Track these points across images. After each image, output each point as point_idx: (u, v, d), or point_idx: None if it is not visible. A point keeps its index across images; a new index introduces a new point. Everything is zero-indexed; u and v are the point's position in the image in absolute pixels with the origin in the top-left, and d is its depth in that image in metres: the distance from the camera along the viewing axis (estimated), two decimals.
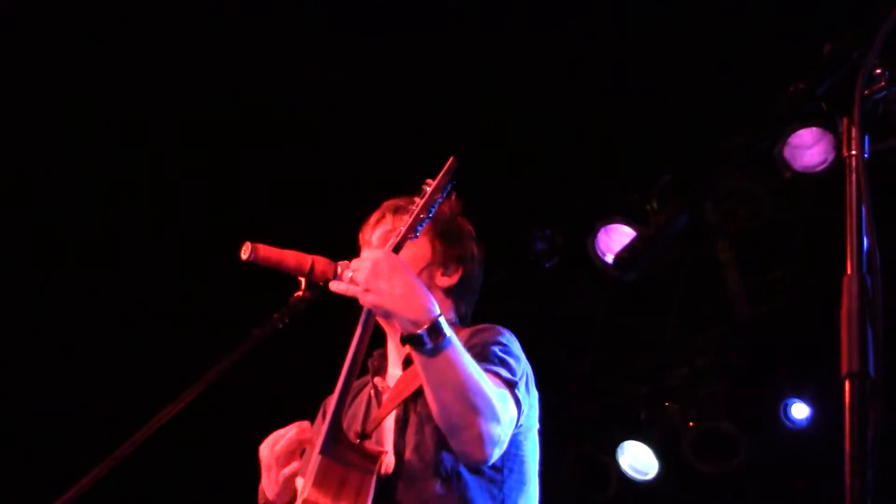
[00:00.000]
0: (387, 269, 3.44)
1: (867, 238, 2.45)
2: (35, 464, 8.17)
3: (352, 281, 3.50)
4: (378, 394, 3.97)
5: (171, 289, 8.18)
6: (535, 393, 3.87)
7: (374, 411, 3.88)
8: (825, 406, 7.92)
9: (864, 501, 2.29)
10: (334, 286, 3.62)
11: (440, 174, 3.58)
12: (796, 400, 8.04)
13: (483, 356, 3.67)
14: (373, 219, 4.13)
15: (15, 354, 8.22)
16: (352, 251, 4.04)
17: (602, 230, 7.68)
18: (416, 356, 3.47)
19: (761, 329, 7.88)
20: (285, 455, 3.74)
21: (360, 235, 4.16)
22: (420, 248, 4.00)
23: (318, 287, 3.81)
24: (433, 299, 3.46)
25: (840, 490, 2.37)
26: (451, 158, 3.60)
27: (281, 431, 3.78)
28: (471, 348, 3.69)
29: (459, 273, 4.06)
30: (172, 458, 7.72)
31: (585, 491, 8.71)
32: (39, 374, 8.36)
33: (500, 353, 3.72)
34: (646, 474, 8.40)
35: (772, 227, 7.58)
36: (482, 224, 4.22)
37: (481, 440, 3.47)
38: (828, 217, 7.40)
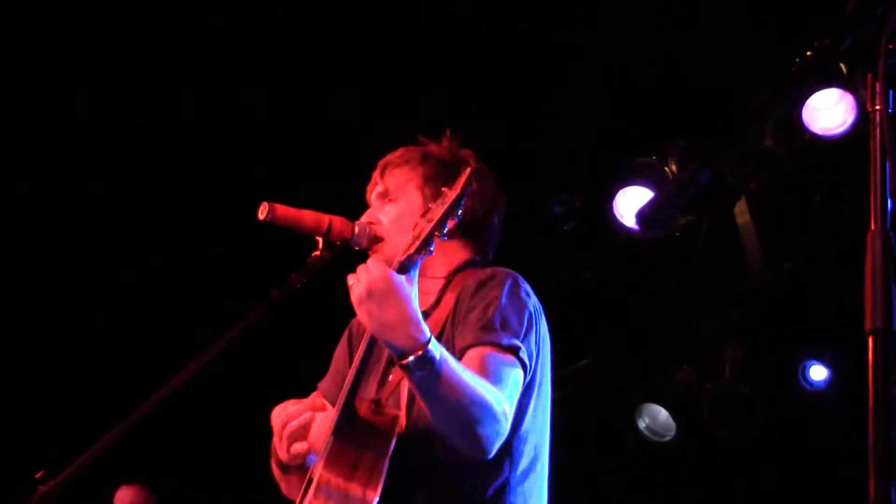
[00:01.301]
0: (380, 293, 3.34)
1: (891, 194, 2.43)
2: (54, 428, 8.19)
3: (351, 289, 3.42)
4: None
5: (188, 251, 8.18)
6: (544, 330, 3.86)
7: (394, 372, 3.87)
8: (843, 368, 7.91)
9: (888, 460, 2.28)
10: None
11: (457, 187, 3.43)
12: (814, 362, 8.03)
13: (483, 323, 3.64)
14: (375, 174, 4.08)
15: (38, 315, 8.24)
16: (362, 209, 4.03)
17: (620, 193, 7.65)
18: (406, 377, 3.43)
19: (779, 291, 7.86)
20: (300, 430, 3.74)
21: (367, 196, 4.11)
22: (408, 201, 3.96)
23: (336, 247, 3.80)
24: (423, 326, 3.36)
25: (860, 452, 2.36)
26: (466, 169, 3.48)
27: (293, 405, 3.79)
28: (471, 310, 3.69)
29: (466, 212, 3.87)
30: (191, 420, 7.75)
31: (602, 454, 8.73)
32: (47, 340, 8.36)
33: (501, 315, 3.67)
34: (664, 437, 8.41)
35: (790, 189, 7.56)
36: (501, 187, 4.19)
37: (479, 445, 3.48)
38: (846, 179, 7.38)
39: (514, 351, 3.63)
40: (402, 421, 3.63)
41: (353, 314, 3.49)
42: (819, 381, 8.02)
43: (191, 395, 3.95)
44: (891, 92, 2.50)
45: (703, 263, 8.11)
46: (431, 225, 3.41)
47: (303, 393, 3.98)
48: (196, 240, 8.08)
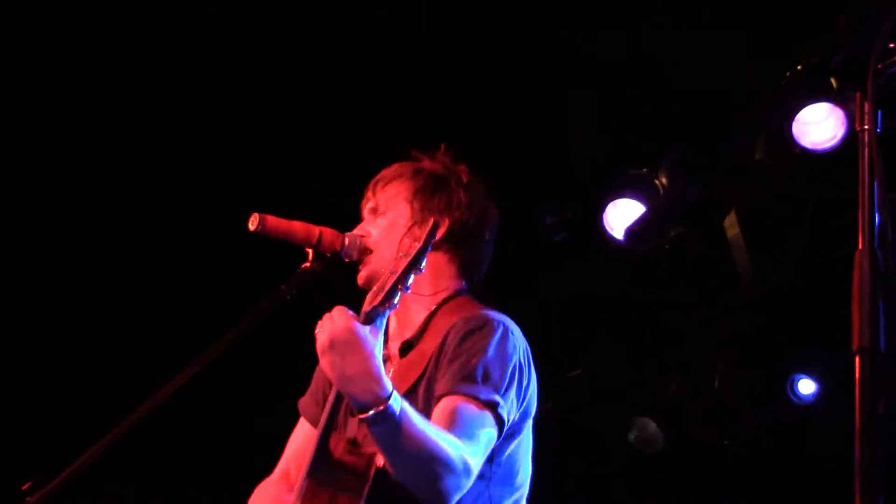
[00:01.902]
0: (342, 344, 3.33)
1: (879, 213, 2.44)
2: (42, 438, 8.17)
3: (316, 337, 3.41)
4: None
5: (178, 261, 8.17)
6: (531, 379, 3.82)
7: None
8: (832, 382, 7.93)
9: (873, 477, 2.29)
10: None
11: (421, 242, 3.41)
12: (803, 376, 8.04)
13: (465, 373, 3.62)
14: (369, 191, 4.07)
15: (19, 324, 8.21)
16: (355, 221, 4.04)
17: (610, 204, 7.66)
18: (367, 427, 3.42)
19: (768, 304, 7.88)
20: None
21: (367, 197, 4.09)
22: (396, 213, 3.95)
23: (326, 258, 3.80)
24: (384, 382, 3.33)
25: (846, 466, 2.37)
26: (431, 221, 3.50)
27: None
28: (455, 358, 3.66)
29: (445, 224, 3.94)
30: (178, 432, 7.73)
31: (593, 464, 8.73)
32: (34, 348, 8.33)
33: (484, 367, 3.64)
34: (653, 448, 8.42)
35: (780, 202, 7.57)
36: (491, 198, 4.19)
37: (437, 497, 3.46)
38: (836, 193, 7.39)
39: (492, 406, 3.60)
40: (379, 460, 3.60)
41: None
42: (807, 395, 8.03)
43: (179, 406, 3.95)
44: (879, 111, 2.51)
45: (692, 275, 8.12)
46: (395, 278, 3.39)
47: (289, 404, 3.98)
48: (185, 250, 8.06)
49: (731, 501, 8.26)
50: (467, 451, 3.48)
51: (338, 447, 3.65)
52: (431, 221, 3.48)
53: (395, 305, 3.43)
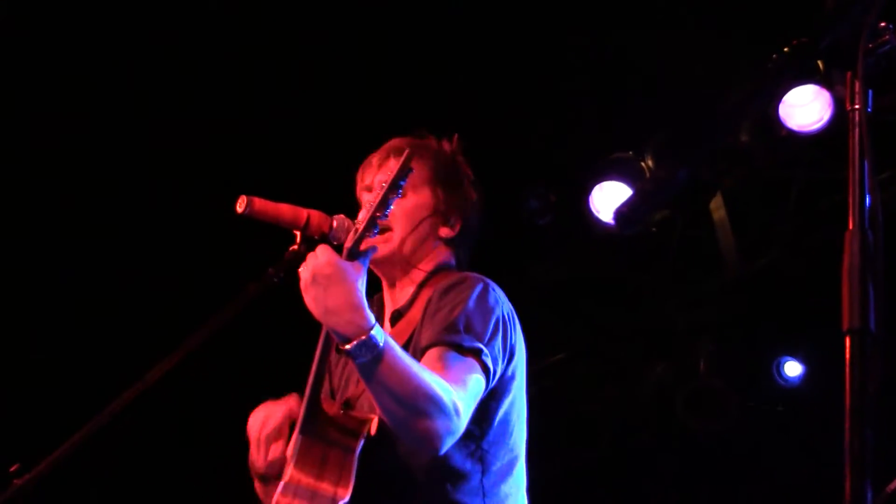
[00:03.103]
0: (324, 278, 3.36)
1: (869, 193, 2.43)
2: (29, 421, 8.16)
3: (300, 275, 3.44)
4: None
5: (163, 245, 8.15)
6: (517, 337, 3.83)
7: None
8: (818, 364, 7.95)
9: (863, 460, 2.29)
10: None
11: (396, 169, 3.42)
12: (789, 358, 8.06)
13: (447, 323, 3.63)
14: (375, 160, 4.04)
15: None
16: (346, 204, 4.02)
17: (596, 188, 7.65)
18: (352, 364, 3.43)
19: (754, 287, 7.89)
20: (274, 433, 3.75)
21: (359, 176, 4.08)
22: (421, 198, 3.97)
23: (314, 241, 3.79)
24: (366, 313, 3.35)
25: (833, 449, 2.37)
26: (406, 151, 3.45)
27: (270, 408, 3.79)
28: (438, 310, 3.68)
29: (460, 223, 4.02)
30: (164, 418, 7.72)
31: (577, 451, 8.74)
32: (20, 331, 8.31)
33: (466, 317, 3.65)
34: None
35: (765, 185, 7.58)
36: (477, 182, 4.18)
37: (427, 439, 3.44)
38: (822, 176, 7.40)
39: (476, 353, 3.60)
40: (374, 425, 3.61)
41: None
42: (793, 377, 8.06)
43: (167, 389, 3.94)
44: (870, 91, 2.51)
45: (678, 259, 8.13)
46: (373, 207, 3.42)
47: (279, 389, 3.96)
48: (171, 233, 8.04)
49: (718, 485, 8.27)
50: (456, 395, 3.47)
51: (332, 407, 3.69)
52: (407, 152, 3.44)
53: (375, 233, 3.46)
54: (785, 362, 8.05)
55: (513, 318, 3.83)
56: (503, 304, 3.80)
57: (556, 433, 8.68)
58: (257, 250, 4.02)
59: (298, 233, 3.80)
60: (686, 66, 7.09)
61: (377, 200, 3.41)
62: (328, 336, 3.63)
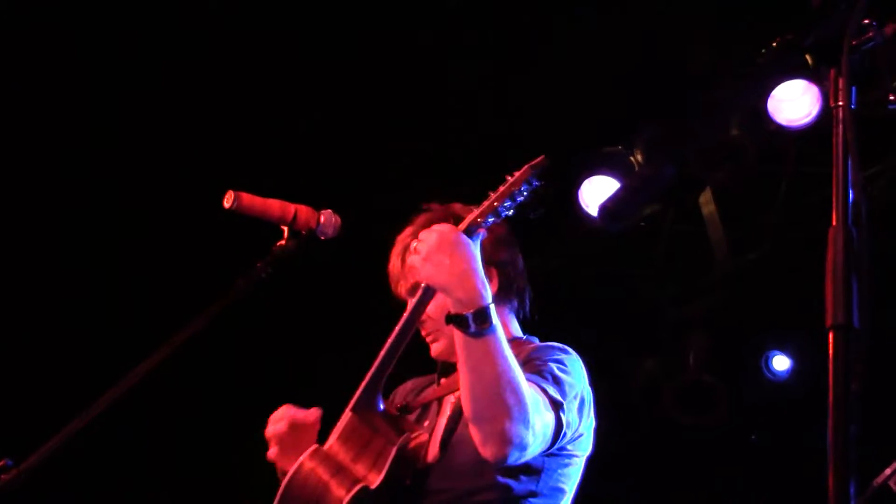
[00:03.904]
0: (450, 245, 3.41)
1: (853, 190, 2.44)
2: (17, 416, 8.15)
3: (415, 250, 3.48)
4: (440, 400, 3.93)
5: (152, 239, 8.14)
6: (591, 421, 3.82)
7: (431, 412, 3.90)
8: (806, 358, 7.96)
9: (846, 454, 2.30)
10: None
11: (524, 167, 3.50)
12: (777, 352, 8.08)
13: (537, 370, 3.61)
14: (400, 249, 3.98)
15: None
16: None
17: (585, 182, 7.66)
18: (457, 336, 3.42)
19: (743, 282, 7.90)
20: (274, 436, 3.79)
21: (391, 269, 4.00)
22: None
23: (301, 236, 3.80)
24: (488, 288, 3.41)
25: (821, 442, 2.38)
26: (541, 156, 3.53)
27: (295, 415, 3.81)
28: (528, 361, 3.65)
29: (496, 280, 3.91)
30: (152, 414, 7.72)
31: None
32: (9, 326, 8.30)
33: (556, 371, 3.64)
34: None
35: (755, 179, 7.59)
36: (467, 175, 4.18)
37: (502, 438, 3.37)
38: (811, 170, 7.41)
39: (557, 406, 3.55)
40: (433, 448, 3.66)
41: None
42: (782, 372, 8.07)
43: (156, 384, 3.94)
44: (854, 88, 2.51)
45: (668, 253, 8.14)
46: (495, 195, 3.51)
47: (267, 383, 3.97)
48: (160, 228, 8.04)
49: (707, 479, 8.27)
50: (540, 414, 3.45)
51: (390, 405, 3.75)
52: (541, 158, 3.58)
53: (488, 225, 3.51)
54: (773, 356, 8.07)
55: (591, 401, 3.82)
56: (587, 384, 3.80)
57: None
58: (245, 246, 4.02)
59: (286, 228, 3.81)
60: (676, 61, 7.10)
61: (502, 191, 3.52)
62: (408, 321, 3.66)
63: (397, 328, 3.67)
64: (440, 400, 3.92)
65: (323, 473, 3.54)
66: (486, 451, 3.44)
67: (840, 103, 2.49)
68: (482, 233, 3.53)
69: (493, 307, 3.38)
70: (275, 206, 3.81)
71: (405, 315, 3.67)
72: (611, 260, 8.33)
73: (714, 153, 7.40)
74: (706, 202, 7.79)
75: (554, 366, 3.66)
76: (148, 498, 8.61)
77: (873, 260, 2.44)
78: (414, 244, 3.50)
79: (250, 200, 3.78)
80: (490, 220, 3.51)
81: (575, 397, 3.67)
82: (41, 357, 8.29)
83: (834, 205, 2.43)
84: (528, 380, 3.49)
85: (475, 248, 3.46)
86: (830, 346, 2.34)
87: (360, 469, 3.54)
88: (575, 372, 3.74)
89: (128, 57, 7.44)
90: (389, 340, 3.67)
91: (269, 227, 3.83)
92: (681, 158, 7.23)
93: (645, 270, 8.26)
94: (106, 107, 7.60)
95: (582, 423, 3.73)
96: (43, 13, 7.18)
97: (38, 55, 7.36)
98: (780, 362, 8.06)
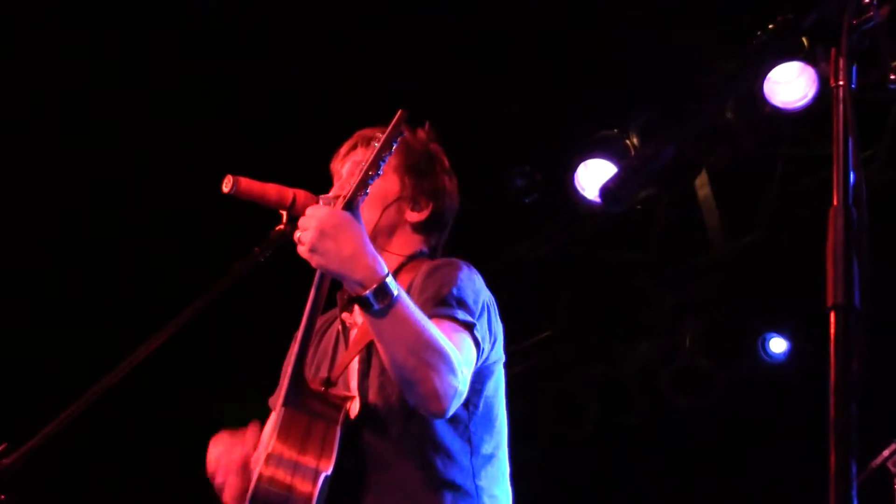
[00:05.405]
0: (332, 228, 3.35)
1: (853, 170, 2.44)
2: (16, 400, 8.15)
3: (299, 241, 3.42)
4: (346, 330, 3.96)
5: (150, 223, 8.14)
6: (498, 325, 3.83)
7: (341, 353, 3.88)
8: (803, 340, 7.97)
9: (848, 436, 2.29)
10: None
11: (388, 127, 3.44)
12: (774, 334, 8.09)
13: (439, 299, 3.63)
14: (343, 149, 4.07)
15: None
16: (332, 185, 4.03)
17: (581, 165, 7.66)
18: (364, 315, 3.43)
19: (739, 264, 7.90)
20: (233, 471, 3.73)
21: (331, 166, 4.10)
22: (388, 184, 3.94)
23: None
24: (380, 259, 3.38)
25: (818, 425, 2.37)
26: (399, 111, 3.45)
27: (228, 444, 3.77)
28: (425, 290, 3.68)
29: (430, 208, 3.99)
30: (149, 398, 7.72)
31: (562, 429, 8.75)
32: (8, 310, 8.31)
33: (457, 294, 3.65)
34: None
35: (750, 162, 7.59)
36: (462, 160, 4.18)
37: (436, 394, 3.40)
38: (806, 153, 7.42)
39: (469, 327, 3.60)
40: (355, 405, 3.64)
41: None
42: (778, 354, 8.09)
43: (153, 368, 3.94)
44: (854, 67, 2.51)
45: (663, 236, 8.14)
46: (367, 165, 3.42)
47: (263, 367, 3.97)
48: (157, 212, 8.04)
49: (704, 463, 8.29)
50: (460, 358, 3.48)
51: (314, 381, 3.71)
52: (400, 112, 3.46)
53: (367, 193, 3.45)
54: (770, 339, 8.08)
55: (494, 304, 3.84)
56: (486, 290, 3.81)
57: (542, 412, 8.70)
58: (243, 230, 4.01)
59: (284, 212, 3.80)
60: (671, 43, 7.09)
61: (370, 159, 3.42)
62: (314, 304, 3.65)
63: (305, 315, 3.66)
64: (346, 339, 3.92)
65: (284, 476, 3.52)
66: (426, 410, 3.49)
67: (840, 83, 2.48)
68: (361, 199, 3.46)
69: (389, 277, 3.36)
70: (273, 190, 3.80)
71: (308, 303, 3.66)
72: (606, 243, 8.34)
73: (709, 136, 7.40)
74: (701, 185, 7.79)
75: (452, 289, 3.66)
76: (147, 478, 8.64)
77: (872, 240, 2.44)
78: (297, 234, 3.43)
79: (248, 184, 3.78)
80: (367, 192, 3.45)
81: (481, 311, 3.69)
82: (36, 343, 8.31)
83: (834, 185, 2.42)
84: (437, 314, 3.56)
85: (358, 223, 3.42)
86: (832, 326, 2.34)
87: (310, 460, 3.51)
88: (473, 285, 3.75)
89: (127, 44, 7.44)
90: (301, 328, 3.67)
91: (268, 211, 3.83)
92: (676, 141, 7.22)
93: (640, 254, 8.27)
94: (104, 92, 7.60)
95: (493, 331, 3.77)
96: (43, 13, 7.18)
97: (36, 49, 7.36)
98: (777, 345, 8.08)
